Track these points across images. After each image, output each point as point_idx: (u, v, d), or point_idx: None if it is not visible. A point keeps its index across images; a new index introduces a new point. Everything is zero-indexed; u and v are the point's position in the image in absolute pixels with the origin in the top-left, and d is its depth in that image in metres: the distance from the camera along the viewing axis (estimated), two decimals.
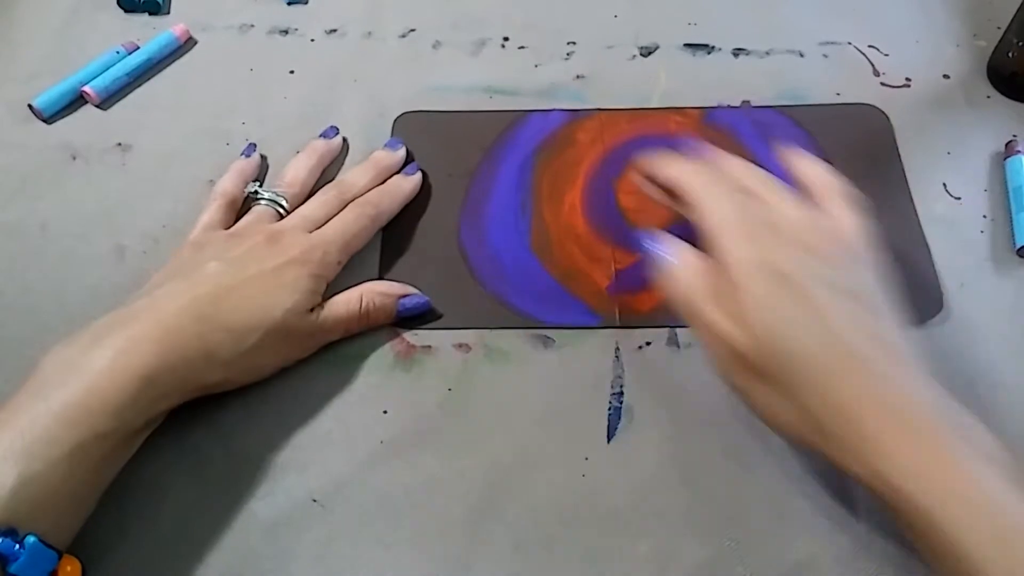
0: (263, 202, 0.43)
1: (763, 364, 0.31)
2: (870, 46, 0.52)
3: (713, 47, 0.52)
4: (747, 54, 0.52)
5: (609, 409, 0.39)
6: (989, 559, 0.25)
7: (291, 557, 0.36)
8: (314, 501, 0.37)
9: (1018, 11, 0.47)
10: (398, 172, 0.46)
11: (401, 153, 0.47)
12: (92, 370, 0.33)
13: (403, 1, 0.55)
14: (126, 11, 0.55)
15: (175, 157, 0.48)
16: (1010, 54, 0.48)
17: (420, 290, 0.42)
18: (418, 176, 0.46)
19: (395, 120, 0.49)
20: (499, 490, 0.37)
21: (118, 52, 0.51)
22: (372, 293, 0.41)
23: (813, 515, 0.36)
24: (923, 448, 0.28)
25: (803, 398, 0.30)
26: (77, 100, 0.50)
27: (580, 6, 0.55)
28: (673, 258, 0.35)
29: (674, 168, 0.37)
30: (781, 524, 0.36)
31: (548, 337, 0.41)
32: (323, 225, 0.42)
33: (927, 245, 0.43)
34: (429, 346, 0.41)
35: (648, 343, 0.41)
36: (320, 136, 0.47)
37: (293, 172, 0.45)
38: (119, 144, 0.49)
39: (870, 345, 0.30)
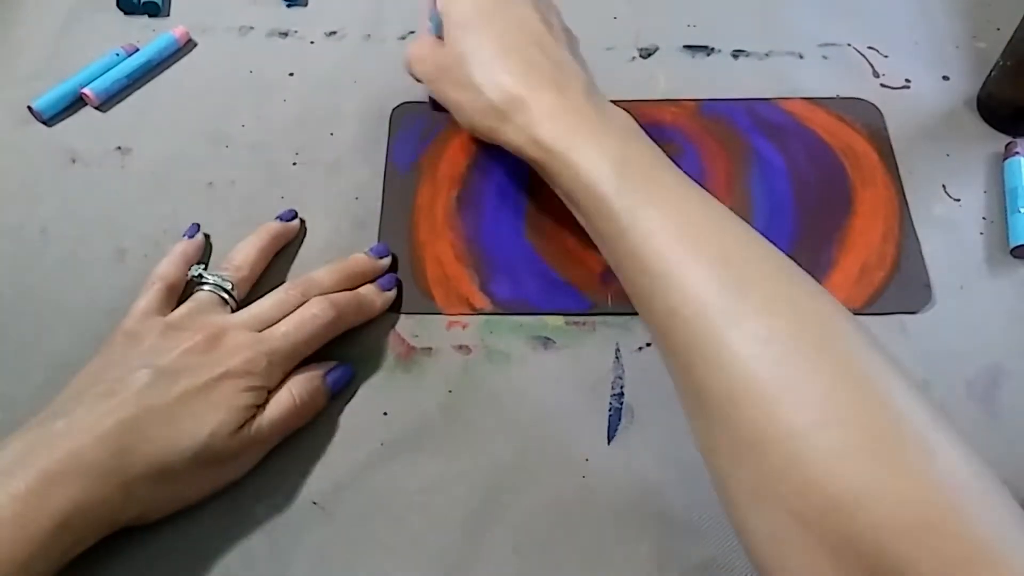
0: (207, 287, 0.40)
1: (457, 70, 0.39)
2: (869, 47, 0.52)
3: (712, 48, 0.53)
4: (746, 55, 0.52)
5: (609, 410, 0.39)
6: (612, 185, 0.35)
7: (291, 559, 0.36)
8: (314, 503, 0.37)
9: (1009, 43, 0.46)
10: (372, 281, 0.42)
11: (384, 263, 0.43)
12: (1, 519, 0.30)
13: (402, 3, 0.55)
14: (126, 13, 0.55)
15: (175, 160, 0.48)
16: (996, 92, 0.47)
17: (415, 277, 0.43)
18: (392, 293, 0.42)
19: (392, 111, 0.49)
20: (499, 491, 0.37)
21: (117, 54, 0.52)
22: (299, 383, 0.38)
23: None
24: (570, 119, 0.37)
25: (486, 92, 0.38)
26: (76, 102, 0.50)
27: (580, 7, 0.55)
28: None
29: None
30: None
31: (548, 338, 0.41)
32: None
33: (917, 237, 0.44)
34: (429, 348, 0.41)
35: (648, 344, 0.41)
36: (276, 218, 0.44)
37: (242, 255, 0.41)
38: (119, 147, 0.49)
39: (543, 59, 0.39)
